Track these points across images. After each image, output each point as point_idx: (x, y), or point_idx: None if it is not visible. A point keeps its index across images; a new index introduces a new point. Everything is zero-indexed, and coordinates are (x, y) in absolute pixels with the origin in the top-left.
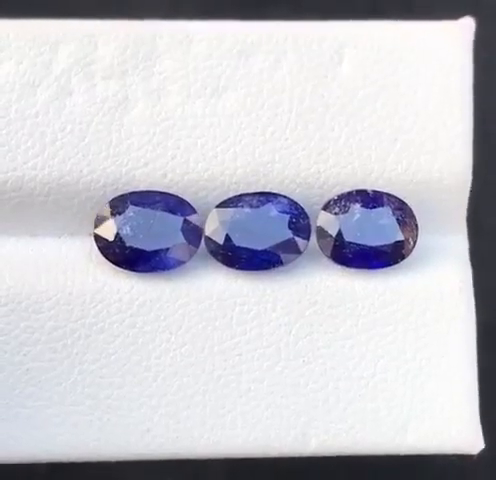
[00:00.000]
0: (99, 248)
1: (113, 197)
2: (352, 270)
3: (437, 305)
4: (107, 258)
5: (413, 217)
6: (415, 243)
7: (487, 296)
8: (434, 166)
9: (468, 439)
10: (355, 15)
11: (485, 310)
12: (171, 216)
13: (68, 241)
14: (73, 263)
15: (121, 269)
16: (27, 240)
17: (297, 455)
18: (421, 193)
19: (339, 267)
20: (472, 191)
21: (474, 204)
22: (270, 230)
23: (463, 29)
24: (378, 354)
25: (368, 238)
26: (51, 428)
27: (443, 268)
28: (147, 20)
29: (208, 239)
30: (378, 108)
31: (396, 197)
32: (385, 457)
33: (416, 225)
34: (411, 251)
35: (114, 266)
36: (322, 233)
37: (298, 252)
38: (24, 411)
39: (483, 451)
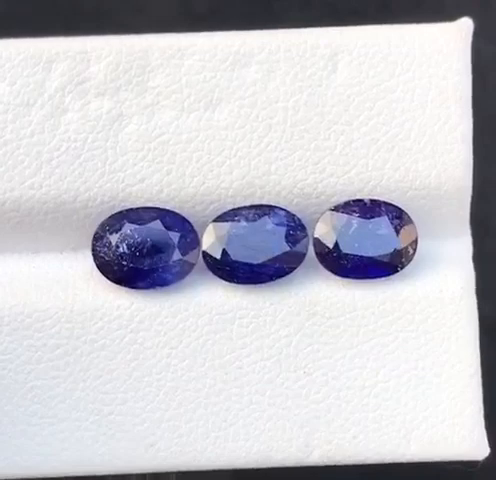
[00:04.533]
0: (98, 267)
1: (110, 215)
2: (351, 280)
3: (438, 312)
4: (106, 276)
5: (412, 225)
6: (415, 251)
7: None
8: (433, 172)
9: (472, 446)
10: (364, 9)
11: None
12: (168, 232)
13: (70, 256)
14: (74, 280)
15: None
16: (29, 257)
17: (300, 465)
18: (421, 199)
19: (338, 278)
20: (481, 192)
21: (483, 205)
22: (267, 243)
23: (460, 30)
24: (379, 363)
25: (366, 248)
26: (56, 444)
27: (444, 275)
28: (156, 21)
29: (205, 254)
30: (374, 115)
31: (394, 205)
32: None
33: (415, 233)
34: (411, 259)
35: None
36: (319, 245)
37: (296, 264)
38: (30, 428)
39: (488, 457)
